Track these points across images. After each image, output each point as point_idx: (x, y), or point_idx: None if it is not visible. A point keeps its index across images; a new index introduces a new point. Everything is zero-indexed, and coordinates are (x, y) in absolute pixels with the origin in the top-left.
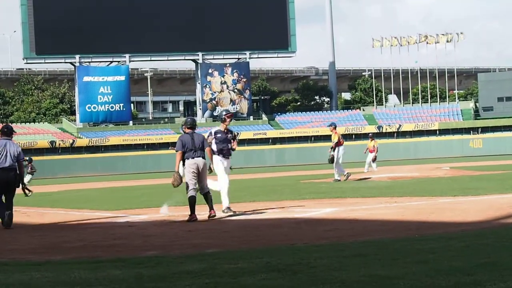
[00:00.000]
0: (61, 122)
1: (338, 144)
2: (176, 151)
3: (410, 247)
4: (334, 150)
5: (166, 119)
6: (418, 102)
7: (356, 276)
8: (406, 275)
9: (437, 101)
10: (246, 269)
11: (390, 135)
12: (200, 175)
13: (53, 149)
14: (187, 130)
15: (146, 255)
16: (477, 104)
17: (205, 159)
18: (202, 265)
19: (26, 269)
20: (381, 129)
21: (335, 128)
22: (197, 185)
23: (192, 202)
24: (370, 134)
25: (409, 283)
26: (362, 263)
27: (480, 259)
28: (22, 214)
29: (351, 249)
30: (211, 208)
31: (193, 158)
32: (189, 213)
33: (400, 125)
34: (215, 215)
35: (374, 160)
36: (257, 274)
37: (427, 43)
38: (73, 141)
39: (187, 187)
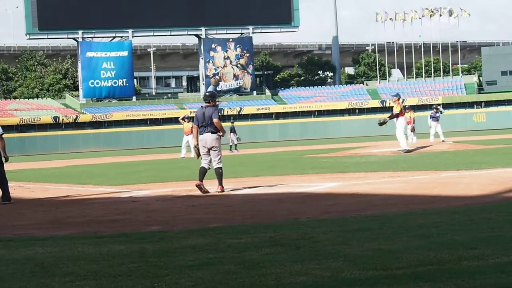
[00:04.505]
0: (64, 98)
1: (400, 114)
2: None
3: (413, 221)
4: (392, 119)
5: (169, 95)
6: (422, 77)
7: (359, 250)
8: (409, 249)
9: (440, 75)
10: (250, 243)
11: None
12: (210, 151)
13: (56, 125)
14: (205, 104)
15: (149, 230)
16: (481, 78)
17: (215, 134)
18: (206, 240)
19: (30, 244)
20: (384, 104)
21: (399, 99)
22: (210, 160)
23: (200, 171)
24: (406, 106)
25: (412, 257)
26: (365, 237)
27: (483, 233)
28: (26, 189)
29: (354, 224)
30: (219, 183)
31: (202, 134)
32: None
33: (403, 100)
34: (221, 191)
35: (412, 130)
36: (260, 248)
37: (430, 16)
38: (77, 116)
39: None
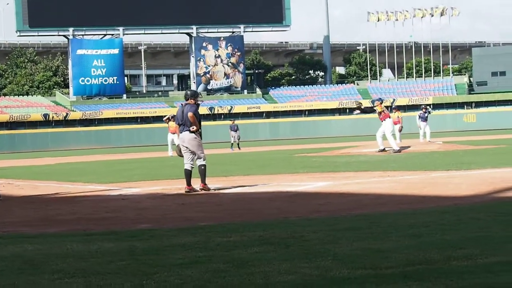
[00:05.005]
0: (55, 95)
1: (385, 116)
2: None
3: (402, 221)
4: (364, 112)
5: (159, 93)
6: (412, 77)
7: (348, 249)
8: (399, 249)
9: (431, 76)
10: (239, 242)
11: None
12: (190, 149)
13: (46, 122)
14: (184, 102)
15: (139, 228)
16: (471, 78)
17: (193, 133)
18: (195, 238)
19: (19, 241)
20: (374, 103)
21: (381, 103)
22: (192, 159)
23: (185, 174)
24: (393, 106)
25: (401, 256)
26: (354, 236)
27: (472, 233)
28: (15, 187)
29: (344, 223)
30: (202, 181)
31: (181, 132)
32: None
33: (394, 100)
34: (203, 189)
35: (400, 130)
36: (250, 247)
37: (422, 17)
38: (67, 114)
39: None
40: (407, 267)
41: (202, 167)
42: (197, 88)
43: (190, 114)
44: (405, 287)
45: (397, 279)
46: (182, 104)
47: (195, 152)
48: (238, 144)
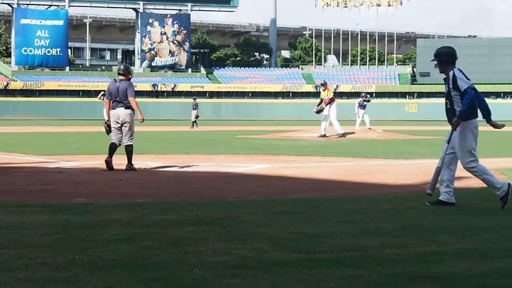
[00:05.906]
0: None
1: (333, 99)
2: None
3: (339, 206)
4: (327, 105)
5: (103, 67)
6: (357, 64)
7: (283, 232)
8: (333, 234)
9: (375, 64)
10: (175, 220)
11: None
12: (122, 126)
13: None
14: (119, 77)
15: (74, 202)
16: (415, 69)
17: (129, 109)
18: (131, 215)
19: None
20: (318, 89)
21: (326, 86)
22: (121, 136)
23: (110, 147)
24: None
25: (335, 242)
26: (290, 220)
27: (407, 222)
28: None
29: (280, 206)
30: (128, 161)
31: (114, 108)
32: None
33: (337, 86)
34: (129, 169)
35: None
36: (185, 226)
37: (370, 5)
38: (7, 83)
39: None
40: (341, 252)
41: (130, 148)
42: (141, 64)
43: (131, 98)
44: (338, 272)
45: (331, 264)
46: (115, 79)
47: (127, 129)
48: (193, 122)
